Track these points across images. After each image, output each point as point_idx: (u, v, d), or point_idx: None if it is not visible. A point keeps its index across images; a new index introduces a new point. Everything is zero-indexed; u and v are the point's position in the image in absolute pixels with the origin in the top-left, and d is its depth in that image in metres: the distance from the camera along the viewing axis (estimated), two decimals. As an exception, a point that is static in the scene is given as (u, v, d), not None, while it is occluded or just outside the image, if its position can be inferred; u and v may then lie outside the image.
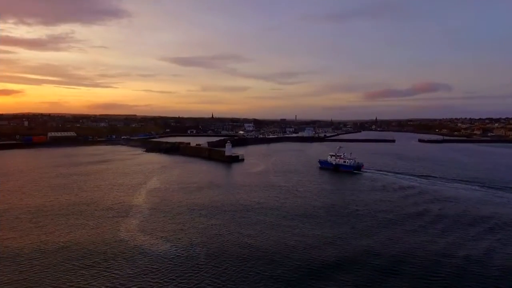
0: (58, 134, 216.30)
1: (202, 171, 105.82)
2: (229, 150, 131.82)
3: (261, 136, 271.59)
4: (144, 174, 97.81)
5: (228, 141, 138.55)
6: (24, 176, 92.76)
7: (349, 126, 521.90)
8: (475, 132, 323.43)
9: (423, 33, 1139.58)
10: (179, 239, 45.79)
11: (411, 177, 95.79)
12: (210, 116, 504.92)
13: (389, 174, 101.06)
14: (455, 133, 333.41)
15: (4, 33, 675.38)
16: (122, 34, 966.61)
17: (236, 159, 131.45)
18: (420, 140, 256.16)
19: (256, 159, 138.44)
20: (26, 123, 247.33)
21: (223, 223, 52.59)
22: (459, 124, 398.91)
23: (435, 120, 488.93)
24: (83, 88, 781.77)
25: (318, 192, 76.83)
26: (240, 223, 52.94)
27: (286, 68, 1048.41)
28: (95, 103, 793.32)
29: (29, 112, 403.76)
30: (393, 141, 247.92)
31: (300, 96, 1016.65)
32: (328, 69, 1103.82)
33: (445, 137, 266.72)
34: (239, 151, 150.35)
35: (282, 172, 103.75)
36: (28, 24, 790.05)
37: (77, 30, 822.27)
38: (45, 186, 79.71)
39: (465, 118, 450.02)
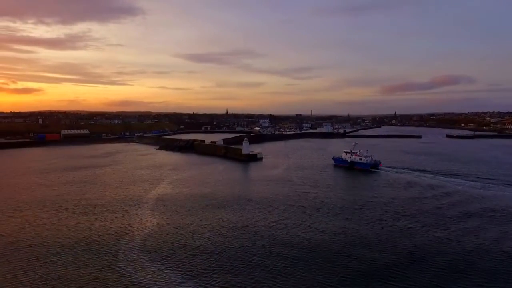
0: (71, 131, 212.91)
1: (218, 173, 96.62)
2: (246, 148, 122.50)
3: (278, 132, 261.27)
4: (154, 179, 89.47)
5: (246, 139, 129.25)
6: (15, 184, 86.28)
7: (367, 121, 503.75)
8: (507, 126, 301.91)
9: (441, 24, 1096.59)
10: (192, 270, 36.69)
11: (452, 178, 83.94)
12: (225, 112, 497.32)
13: (427, 175, 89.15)
14: (484, 127, 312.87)
15: (24, 33, 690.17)
16: (137, 32, 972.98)
17: (254, 158, 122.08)
18: (448, 136, 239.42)
19: (274, 157, 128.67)
20: (40, 121, 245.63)
21: (246, 241, 43.26)
22: (487, 118, 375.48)
23: (459, 114, 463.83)
24: (100, 86, 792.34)
25: (355, 199, 66.51)
26: (271, 240, 43.46)
27: (300, 62, 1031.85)
28: (112, 100, 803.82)
29: (48, 110, 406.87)
30: (419, 136, 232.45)
31: (315, 91, 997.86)
32: (343, 63, 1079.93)
33: (476, 132, 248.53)
34: (256, 148, 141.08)
35: (306, 175, 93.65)
36: (47, 24, 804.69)
37: (94, 28, 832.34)
38: (36, 197, 72.54)
39: (493, 112, 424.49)
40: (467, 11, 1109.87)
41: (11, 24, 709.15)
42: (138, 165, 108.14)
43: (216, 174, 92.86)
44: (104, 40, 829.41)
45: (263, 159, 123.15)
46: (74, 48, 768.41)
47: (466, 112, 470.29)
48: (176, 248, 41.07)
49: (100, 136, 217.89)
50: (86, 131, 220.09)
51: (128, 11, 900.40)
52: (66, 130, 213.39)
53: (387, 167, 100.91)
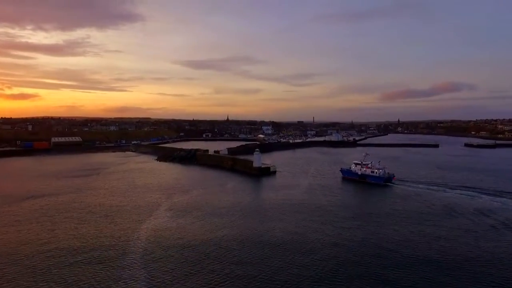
0: (62, 139, 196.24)
1: (228, 193, 79.98)
2: (258, 161, 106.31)
3: (284, 140, 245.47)
4: (150, 205, 73.01)
5: (257, 150, 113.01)
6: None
7: (372, 128, 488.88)
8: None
9: (441, 31, 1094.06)
10: None
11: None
12: (225, 118, 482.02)
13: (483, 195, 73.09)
14: (499, 136, 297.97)
15: (23, 39, 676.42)
16: (136, 38, 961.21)
17: (267, 172, 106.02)
18: (466, 145, 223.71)
19: (288, 170, 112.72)
20: (30, 128, 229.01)
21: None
22: (499, 126, 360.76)
23: (468, 121, 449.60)
24: (98, 92, 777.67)
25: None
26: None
27: (299, 69, 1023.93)
28: (110, 106, 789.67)
29: (41, 116, 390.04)
30: (437, 146, 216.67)
31: (315, 97, 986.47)
32: (343, 70, 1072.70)
33: (497, 141, 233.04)
34: (264, 159, 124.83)
35: (333, 195, 77.72)
36: (46, 30, 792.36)
37: (92, 34, 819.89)
38: None
39: (503, 119, 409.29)
40: (466, 19, 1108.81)
41: (10, 30, 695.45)
42: (131, 184, 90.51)
43: (226, 195, 76.38)
44: (103, 47, 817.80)
45: (276, 173, 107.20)
46: (72, 54, 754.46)
47: (475, 119, 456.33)
48: None
49: (93, 144, 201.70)
50: (78, 138, 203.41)
51: (127, 17, 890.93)
52: (56, 138, 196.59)
53: (413, 182, 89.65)
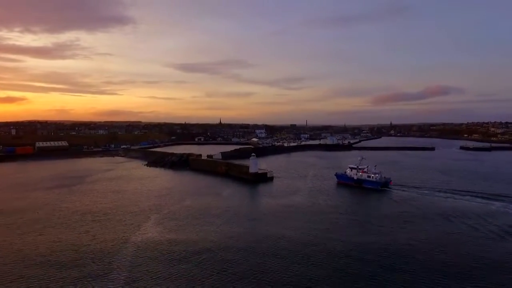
0: (47, 144, 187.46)
1: (223, 202, 74.26)
2: (254, 166, 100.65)
3: (278, 144, 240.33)
4: (136, 219, 66.64)
5: (253, 154, 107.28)
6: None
7: (365, 131, 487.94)
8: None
9: (430, 36, 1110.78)
10: None
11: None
12: (217, 122, 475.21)
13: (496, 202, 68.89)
14: (492, 138, 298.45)
15: (10, 42, 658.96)
16: (126, 41, 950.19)
17: (264, 178, 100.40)
18: (462, 148, 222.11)
19: (285, 176, 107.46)
20: (13, 132, 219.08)
21: None
22: (491, 129, 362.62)
23: (460, 124, 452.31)
24: (88, 96, 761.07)
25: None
26: None
27: (290, 73, 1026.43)
28: (100, 110, 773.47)
29: (27, 120, 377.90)
30: (432, 149, 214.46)
31: (306, 101, 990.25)
32: (333, 73, 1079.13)
33: (492, 144, 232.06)
34: (261, 164, 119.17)
35: (336, 201, 72.59)
36: (34, 32, 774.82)
37: (82, 37, 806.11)
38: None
39: (494, 122, 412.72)
40: (455, 24, 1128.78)
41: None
42: (117, 193, 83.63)
43: (222, 204, 70.43)
44: (93, 49, 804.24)
45: (274, 179, 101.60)
46: (62, 57, 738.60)
47: (466, 122, 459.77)
48: None
49: (81, 149, 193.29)
50: (64, 143, 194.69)
51: (118, 20, 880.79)
52: (41, 142, 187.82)
53: (413, 187, 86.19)
